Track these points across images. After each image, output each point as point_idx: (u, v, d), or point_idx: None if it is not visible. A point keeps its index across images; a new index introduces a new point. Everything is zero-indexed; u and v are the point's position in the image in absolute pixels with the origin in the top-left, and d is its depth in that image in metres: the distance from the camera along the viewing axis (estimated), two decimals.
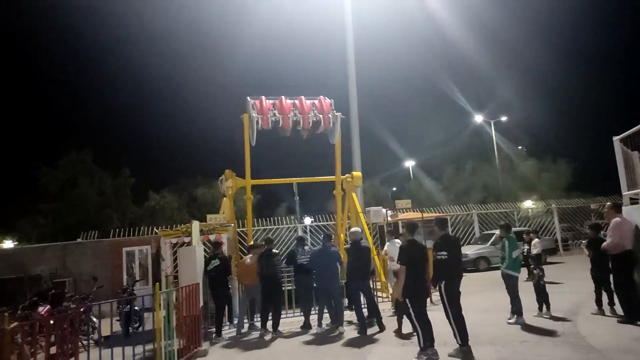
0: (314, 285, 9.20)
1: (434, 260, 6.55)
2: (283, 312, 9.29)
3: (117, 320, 9.66)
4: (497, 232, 18.42)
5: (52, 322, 6.63)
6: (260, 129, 12.08)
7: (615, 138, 9.14)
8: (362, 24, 18.99)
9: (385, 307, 9.88)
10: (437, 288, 6.52)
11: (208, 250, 10.57)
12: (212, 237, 11.06)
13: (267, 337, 8.65)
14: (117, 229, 18.77)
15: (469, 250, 17.56)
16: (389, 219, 15.29)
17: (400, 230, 14.95)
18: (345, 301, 9.77)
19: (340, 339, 8.04)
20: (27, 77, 59.81)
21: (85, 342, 8.36)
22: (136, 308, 9.94)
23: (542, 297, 8.51)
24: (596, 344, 6.29)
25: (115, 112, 69.39)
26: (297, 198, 19.55)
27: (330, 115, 12.48)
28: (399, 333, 7.89)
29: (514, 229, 9.20)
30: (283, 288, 9.36)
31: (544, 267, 9.43)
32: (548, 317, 8.25)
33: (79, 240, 17.95)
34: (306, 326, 9.11)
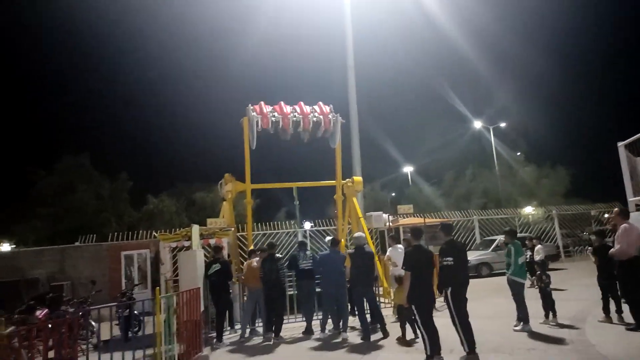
0: (319, 289, 9.08)
1: (440, 267, 6.44)
2: (285, 317, 9.14)
3: (117, 324, 9.51)
4: (499, 238, 18.57)
5: (49, 326, 6.50)
6: (260, 131, 12.03)
7: (620, 144, 9.08)
8: (361, 31, 19.02)
9: (388, 313, 9.75)
10: (443, 294, 6.41)
11: (207, 255, 10.46)
12: (212, 241, 10.96)
13: (269, 342, 8.52)
14: (115, 233, 18.62)
15: (470, 256, 17.38)
16: (390, 224, 15.19)
17: (402, 236, 14.87)
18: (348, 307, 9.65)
19: (344, 345, 7.90)
20: (24, 80, 59.76)
21: (84, 347, 8.22)
22: (135, 312, 9.80)
23: (549, 304, 8.39)
24: (607, 352, 6.17)
25: (113, 115, 69.33)
26: (297, 202, 19.43)
27: (330, 117, 12.46)
28: (402, 340, 7.77)
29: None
30: (286, 293, 9.22)
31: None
32: (554, 324, 8.13)
33: (77, 243, 17.80)
34: (308, 332, 8.98)
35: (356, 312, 8.88)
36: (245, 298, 10.15)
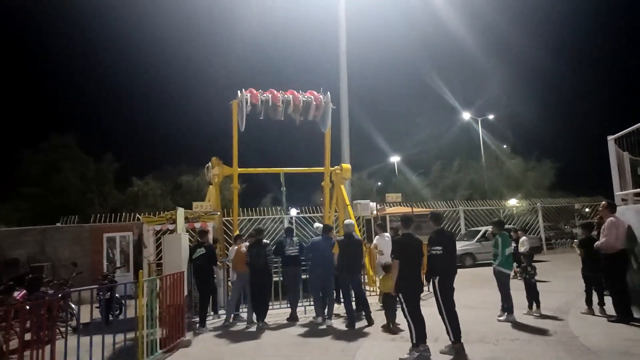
0: (308, 276, 9.02)
1: (429, 255, 6.38)
2: (270, 303, 9.06)
3: (97, 307, 9.35)
4: (484, 228, 18.69)
5: (27, 307, 6.32)
6: (249, 112, 11.86)
7: (610, 138, 9.07)
8: (352, 21, 18.74)
9: (373, 301, 9.74)
10: (431, 283, 6.37)
11: (192, 239, 10.31)
12: (197, 225, 10.80)
13: (253, 328, 8.44)
14: (98, 215, 18.32)
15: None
16: (376, 212, 15.16)
17: (389, 225, 14.84)
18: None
19: (329, 333, 7.85)
20: (10, 60, 58.21)
21: (62, 329, 8.05)
22: (117, 295, 9.65)
23: (533, 295, 8.42)
24: (590, 344, 6.19)
25: (100, 96, 68.23)
26: (284, 189, 19.29)
27: (321, 97, 12.33)
28: (387, 328, 7.77)
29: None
30: (272, 279, 9.13)
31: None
32: (538, 315, 8.17)
33: (58, 224, 17.48)
34: (292, 318, 8.93)
35: (342, 300, 8.83)
36: (229, 283, 10.06)
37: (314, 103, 12.27)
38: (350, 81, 16.96)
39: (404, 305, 6.18)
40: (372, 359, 6.35)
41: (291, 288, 9.21)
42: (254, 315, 8.65)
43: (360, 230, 14.90)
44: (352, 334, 7.64)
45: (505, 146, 39.11)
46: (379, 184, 45.41)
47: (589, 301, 8.17)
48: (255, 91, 12.05)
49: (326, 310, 8.63)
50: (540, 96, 63.17)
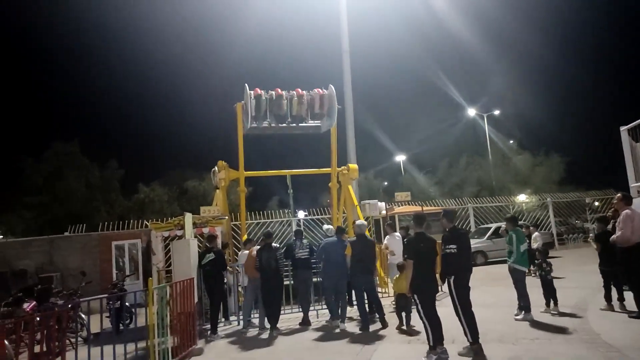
0: (319, 278, 8.88)
1: (443, 255, 6.25)
2: (281, 308, 8.93)
3: (107, 317, 9.26)
4: (494, 225, 18.48)
5: (37, 319, 6.24)
6: (254, 114, 11.79)
7: (623, 128, 8.91)
8: (356, 18, 18.61)
9: (385, 303, 9.57)
10: (446, 283, 6.22)
11: (201, 245, 10.21)
12: (205, 230, 10.70)
13: (265, 334, 8.31)
14: (106, 223, 18.27)
15: None
16: (384, 212, 15.00)
17: (398, 224, 14.69)
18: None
19: (343, 336, 7.72)
20: (13, 68, 58.59)
21: (73, 340, 7.96)
22: (127, 304, 9.55)
23: (550, 292, 8.24)
24: (612, 341, 6.02)
25: (104, 103, 68.42)
26: (291, 191, 19.14)
27: (325, 91, 12.30)
28: (401, 329, 7.66)
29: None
30: (283, 283, 9.00)
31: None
32: (556, 313, 7.99)
33: (66, 233, 17.44)
34: (305, 322, 8.80)
35: (354, 302, 8.69)
36: (240, 289, 9.94)
37: (319, 95, 12.24)
38: (354, 81, 16.83)
39: (420, 307, 6.03)
40: None
41: (302, 292, 9.07)
42: (266, 321, 8.52)
43: (369, 231, 14.73)
44: (366, 337, 7.49)
45: (511, 142, 38.80)
46: (385, 183, 45.24)
47: (608, 297, 7.97)
48: (259, 90, 12.05)
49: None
50: (547, 90, 62.89)
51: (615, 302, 7.90)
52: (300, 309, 9.08)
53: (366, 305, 8.35)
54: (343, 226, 10.64)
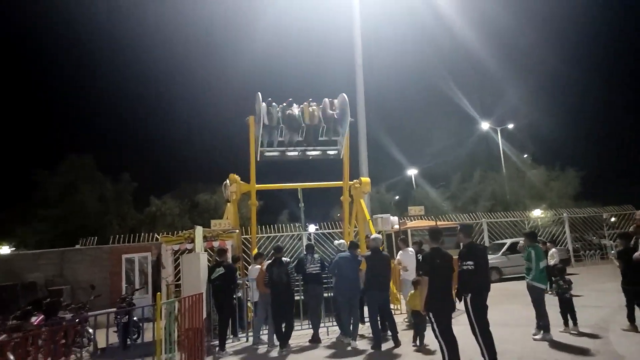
0: (332, 294, 8.71)
1: (460, 271, 6.03)
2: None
3: (115, 331, 9.13)
4: (509, 241, 18.13)
5: (44, 333, 6.13)
6: (267, 124, 11.82)
7: None
8: (368, 33, 18.63)
9: (398, 320, 9.32)
10: (463, 301, 5.99)
11: (211, 259, 10.07)
12: (215, 244, 10.57)
13: (275, 352, 8.10)
14: (117, 235, 18.25)
15: None
16: (397, 226, 14.77)
17: (411, 239, 14.42)
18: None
19: (355, 355, 7.49)
20: (27, 81, 59.68)
21: (79, 355, 7.84)
22: (135, 319, 9.41)
23: (569, 311, 7.94)
24: None
25: (117, 116, 69.11)
26: (302, 204, 19.02)
27: (335, 101, 12.28)
28: (415, 344, 7.48)
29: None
30: (294, 299, 8.81)
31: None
32: (576, 332, 7.69)
33: (77, 246, 17.43)
34: (315, 340, 8.58)
35: (366, 319, 8.46)
36: (249, 304, 9.77)
37: (329, 100, 12.44)
38: (367, 94, 16.76)
39: (435, 325, 5.80)
40: None
41: (313, 308, 8.85)
42: (275, 338, 8.32)
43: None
44: (379, 356, 7.27)
45: (525, 156, 38.34)
46: (397, 197, 44.89)
47: (631, 317, 7.65)
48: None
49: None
50: (561, 104, 62.24)
51: (639, 322, 7.58)
52: (310, 326, 8.87)
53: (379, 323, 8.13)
54: (356, 240, 10.45)
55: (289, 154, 12.35)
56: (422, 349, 7.36)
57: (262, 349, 8.43)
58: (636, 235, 7.92)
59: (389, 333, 8.02)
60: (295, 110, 12.08)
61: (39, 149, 49.73)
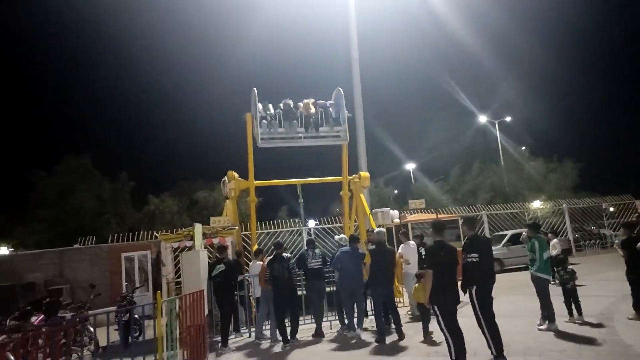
0: (335, 289, 8.68)
1: (464, 264, 5.96)
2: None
3: (116, 329, 9.05)
4: (509, 232, 18.10)
5: (44, 333, 6.05)
6: (264, 116, 11.75)
7: None
8: (365, 26, 18.51)
9: (401, 313, 9.24)
10: (468, 293, 5.92)
11: (211, 255, 9.99)
12: (215, 241, 10.49)
13: (278, 347, 8.04)
14: (116, 234, 18.14)
15: None
16: (397, 220, 14.70)
17: (411, 232, 14.37)
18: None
19: (359, 348, 7.43)
20: (25, 81, 59.34)
21: (80, 354, 7.77)
22: (136, 316, 9.33)
23: (573, 301, 7.90)
24: None
25: (114, 115, 68.90)
26: (301, 200, 18.91)
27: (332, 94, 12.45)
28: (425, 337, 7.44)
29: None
30: (297, 294, 8.76)
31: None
32: (580, 322, 7.65)
33: (76, 246, 17.32)
34: (318, 334, 8.52)
35: (370, 313, 8.40)
36: (251, 299, 9.71)
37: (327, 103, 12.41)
38: (364, 88, 16.65)
39: (440, 318, 5.74)
40: None
41: (315, 302, 8.79)
42: (278, 333, 8.25)
43: None
44: (383, 350, 7.20)
45: (523, 148, 38.32)
46: (396, 192, 44.85)
47: (636, 306, 7.60)
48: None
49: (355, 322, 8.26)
50: (558, 96, 62.29)
51: None
52: (313, 320, 8.82)
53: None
54: (356, 234, 10.39)
55: (290, 144, 12.21)
56: (427, 340, 7.31)
57: (264, 344, 8.37)
58: (638, 224, 7.87)
59: (393, 326, 7.96)
60: (291, 102, 12.06)
61: (36, 149, 49.50)
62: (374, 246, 8.22)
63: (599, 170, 40.49)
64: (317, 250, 8.96)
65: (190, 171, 57.57)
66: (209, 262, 8.80)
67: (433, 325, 6.89)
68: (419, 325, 7.87)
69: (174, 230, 13.48)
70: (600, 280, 12.12)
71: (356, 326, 8.24)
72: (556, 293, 8.03)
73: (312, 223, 21.91)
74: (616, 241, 8.48)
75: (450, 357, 5.64)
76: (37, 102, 60.87)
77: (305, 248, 9.16)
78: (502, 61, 64.41)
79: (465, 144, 40.16)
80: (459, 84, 43.46)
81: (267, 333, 8.72)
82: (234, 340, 8.76)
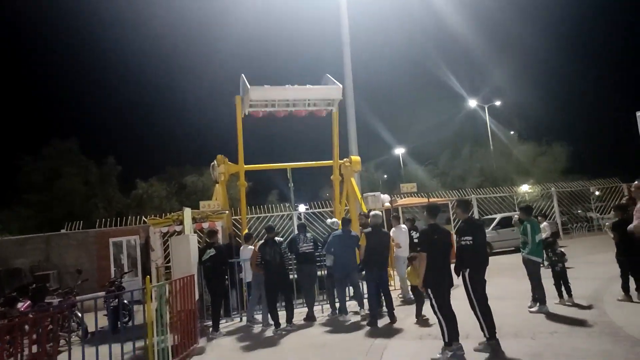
0: (326, 272, 8.70)
1: (458, 247, 5.93)
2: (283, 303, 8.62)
3: (105, 315, 8.94)
4: (498, 216, 18.20)
5: (31, 320, 5.94)
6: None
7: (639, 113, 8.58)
8: (356, 10, 18.22)
9: (392, 296, 9.26)
10: (461, 276, 5.90)
11: (200, 240, 9.88)
12: (205, 226, 10.37)
13: (269, 331, 8.01)
14: (104, 219, 17.91)
15: None
16: (387, 204, 14.68)
17: (402, 216, 14.36)
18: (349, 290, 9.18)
19: (351, 332, 7.42)
20: (9, 65, 58.00)
21: (68, 340, 7.65)
22: (125, 301, 9.22)
23: (563, 283, 7.95)
24: (637, 334, 5.71)
25: (101, 99, 67.85)
26: (292, 184, 18.79)
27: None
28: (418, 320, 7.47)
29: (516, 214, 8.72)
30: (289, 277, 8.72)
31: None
32: (571, 304, 7.70)
33: (63, 231, 17.09)
34: (310, 318, 8.51)
35: (364, 295, 8.39)
36: (244, 285, 9.65)
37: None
38: (354, 73, 16.47)
39: (433, 301, 5.72)
40: None
41: (306, 286, 8.75)
42: (269, 317, 8.21)
43: None
44: (376, 333, 7.18)
45: (512, 132, 38.46)
46: (385, 176, 44.91)
47: (625, 287, 7.65)
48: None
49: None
50: (547, 80, 62.52)
51: (633, 292, 7.59)
52: (305, 304, 8.78)
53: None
54: (347, 217, 10.34)
55: (280, 96, 11.97)
56: (419, 322, 7.32)
57: (256, 328, 8.34)
58: (628, 207, 7.89)
59: (384, 309, 7.95)
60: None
61: (22, 133, 48.59)
62: (370, 229, 8.15)
63: (589, 153, 40.82)
64: (308, 234, 8.90)
65: (178, 155, 57.08)
66: (199, 247, 8.70)
67: (426, 309, 6.90)
68: (411, 308, 7.88)
69: (163, 215, 13.33)
70: (588, 262, 12.23)
71: (358, 307, 8.22)
72: (546, 275, 8.05)
73: (302, 207, 21.85)
74: (607, 223, 8.50)
75: (443, 339, 5.63)
76: (23, 86, 59.73)
77: (297, 232, 9.09)
78: (492, 45, 64.36)
79: (455, 128, 40.23)
80: (449, 68, 43.50)
81: (259, 317, 8.67)
82: (225, 325, 8.71)
